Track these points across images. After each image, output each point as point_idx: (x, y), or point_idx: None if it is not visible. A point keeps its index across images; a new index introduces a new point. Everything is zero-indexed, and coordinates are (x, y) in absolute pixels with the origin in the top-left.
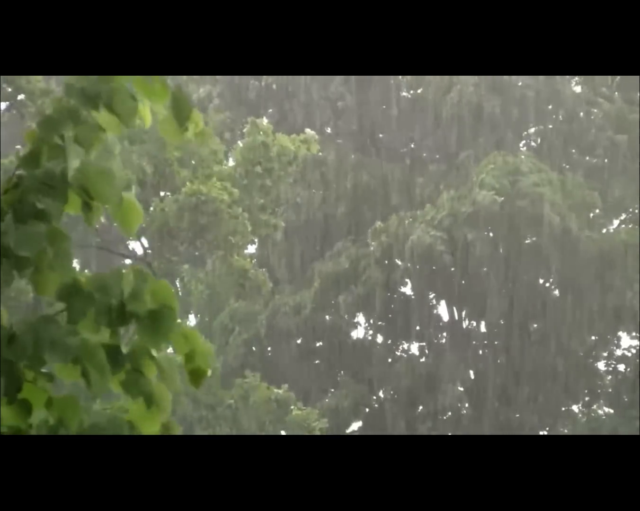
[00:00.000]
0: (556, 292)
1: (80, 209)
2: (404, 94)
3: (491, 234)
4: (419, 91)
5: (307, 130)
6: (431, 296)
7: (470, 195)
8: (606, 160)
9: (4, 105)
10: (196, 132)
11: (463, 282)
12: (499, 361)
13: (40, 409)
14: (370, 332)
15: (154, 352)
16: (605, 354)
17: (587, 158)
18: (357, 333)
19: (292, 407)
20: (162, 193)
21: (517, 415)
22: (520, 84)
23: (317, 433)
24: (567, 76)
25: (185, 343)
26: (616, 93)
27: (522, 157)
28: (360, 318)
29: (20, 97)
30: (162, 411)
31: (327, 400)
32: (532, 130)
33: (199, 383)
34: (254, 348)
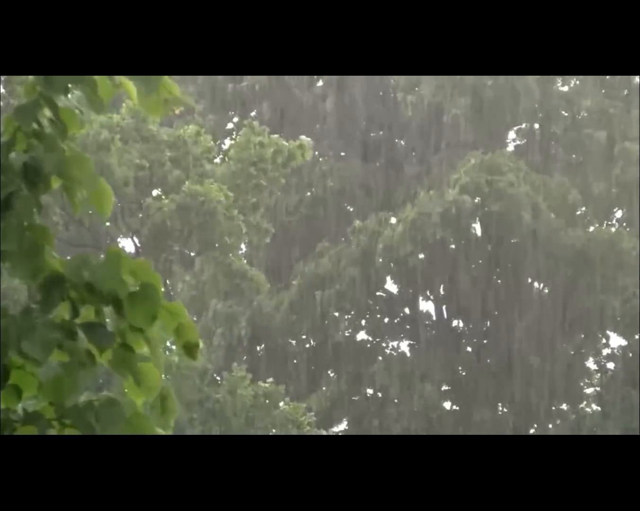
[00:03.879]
0: (545, 291)
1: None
2: (387, 95)
3: (473, 233)
4: (399, 92)
5: (303, 137)
6: (417, 294)
7: (445, 194)
8: (586, 159)
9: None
10: (171, 100)
11: (448, 280)
12: (488, 360)
13: (31, 393)
14: (355, 331)
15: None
16: (593, 353)
17: (572, 156)
18: (342, 332)
19: (280, 402)
20: (154, 193)
21: (505, 414)
22: (491, 82)
23: (306, 427)
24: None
25: (172, 319)
26: (602, 90)
27: (501, 156)
28: (345, 317)
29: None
30: (150, 389)
31: (312, 399)
32: (514, 129)
33: (194, 354)
34: (237, 348)
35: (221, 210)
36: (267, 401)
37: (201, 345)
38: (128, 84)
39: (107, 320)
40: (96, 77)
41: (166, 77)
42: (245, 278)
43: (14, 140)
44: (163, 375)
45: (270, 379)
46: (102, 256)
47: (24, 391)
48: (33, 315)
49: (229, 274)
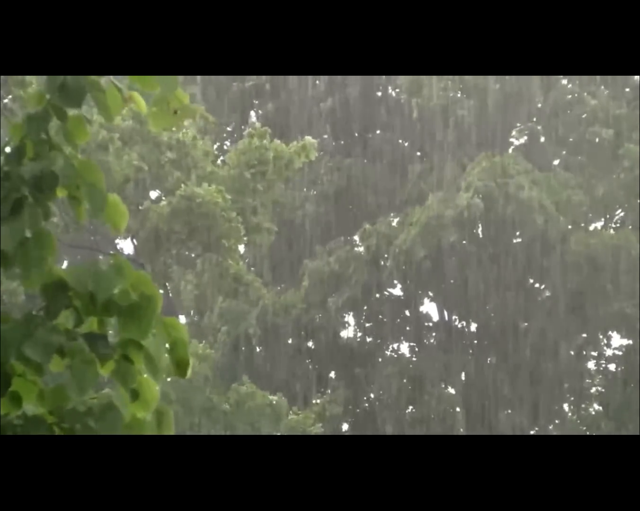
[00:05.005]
0: (546, 292)
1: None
2: (389, 94)
3: (481, 236)
4: (403, 93)
5: (307, 137)
6: (421, 297)
7: (456, 197)
8: (591, 159)
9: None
10: (182, 110)
11: (453, 282)
12: (488, 361)
13: (31, 401)
14: (360, 333)
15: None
16: (595, 354)
17: (575, 156)
18: (347, 333)
19: (287, 413)
20: (153, 195)
21: (508, 415)
22: (497, 85)
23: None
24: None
25: (167, 334)
26: (602, 87)
27: (509, 158)
28: (350, 318)
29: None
30: (148, 403)
31: (316, 401)
32: (518, 129)
33: (184, 372)
34: (242, 348)
35: (218, 212)
36: (274, 413)
37: (208, 350)
38: (137, 95)
39: (110, 331)
40: (106, 90)
41: (178, 87)
42: (242, 283)
43: (23, 148)
44: (167, 378)
45: (280, 393)
46: (101, 257)
47: (24, 398)
48: (34, 321)
49: (227, 277)
